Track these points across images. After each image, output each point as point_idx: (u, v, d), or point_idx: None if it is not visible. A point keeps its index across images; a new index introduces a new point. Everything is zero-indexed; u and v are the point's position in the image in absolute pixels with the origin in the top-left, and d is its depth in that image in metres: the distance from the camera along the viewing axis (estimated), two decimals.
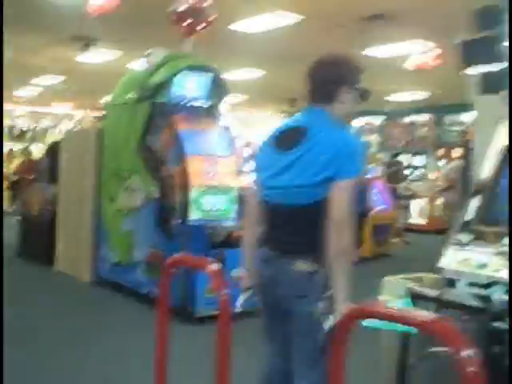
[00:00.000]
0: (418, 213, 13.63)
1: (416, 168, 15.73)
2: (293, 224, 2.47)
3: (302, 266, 2.41)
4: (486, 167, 2.80)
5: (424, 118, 18.28)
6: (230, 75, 13.14)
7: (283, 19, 8.36)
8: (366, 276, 4.24)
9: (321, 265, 2.38)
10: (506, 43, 2.84)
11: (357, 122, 20.73)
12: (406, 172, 14.19)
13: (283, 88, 14.07)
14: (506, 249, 2.51)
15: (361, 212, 9.50)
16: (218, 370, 2.46)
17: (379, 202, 10.28)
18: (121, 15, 7.67)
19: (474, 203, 2.73)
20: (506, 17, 2.85)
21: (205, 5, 6.28)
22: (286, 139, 2.52)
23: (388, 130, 19.86)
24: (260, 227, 2.61)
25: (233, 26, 9.03)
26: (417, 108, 17.59)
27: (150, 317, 3.22)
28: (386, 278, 3.18)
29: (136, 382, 4.03)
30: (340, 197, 2.33)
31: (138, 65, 6.67)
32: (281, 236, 2.51)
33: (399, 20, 8.44)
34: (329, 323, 2.28)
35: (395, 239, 10.91)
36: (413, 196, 13.11)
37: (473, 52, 3.06)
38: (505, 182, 2.73)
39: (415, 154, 16.83)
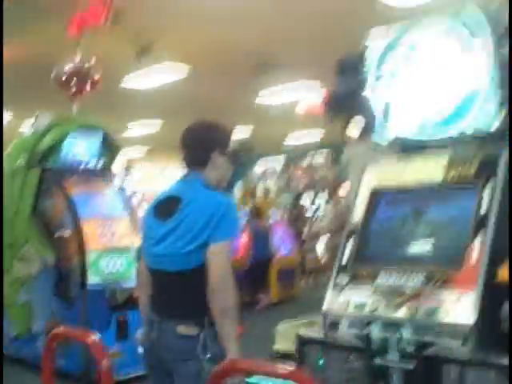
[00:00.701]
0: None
1: (318, 208, 16.12)
2: (173, 289, 2.52)
3: (183, 329, 2.44)
4: (358, 210, 2.96)
5: (321, 159, 18.93)
6: (128, 132, 13.19)
7: (173, 73, 8.50)
8: (273, 321, 4.29)
9: (203, 327, 2.42)
10: (366, 92, 3.03)
11: (258, 168, 21.21)
12: (308, 214, 14.48)
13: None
14: (380, 286, 2.65)
15: (265, 257, 9.65)
16: None
17: (282, 246, 10.45)
18: (7, 79, 7.57)
19: (349, 245, 2.87)
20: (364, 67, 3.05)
21: (88, 66, 6.30)
22: (163, 209, 2.58)
23: (289, 172, 20.40)
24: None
25: (124, 84, 9.10)
26: (314, 148, 18.19)
27: None
28: (279, 326, 3.26)
29: None
30: (217, 261, 2.39)
31: (27, 129, 6.56)
32: (164, 300, 2.55)
33: (286, 64, 8.77)
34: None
35: (303, 281, 11.11)
36: (317, 236, 13.40)
37: (336, 103, 3.26)
38: (376, 222, 2.90)
39: (317, 193, 17.29)
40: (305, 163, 20.30)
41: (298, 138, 16.80)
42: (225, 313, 2.39)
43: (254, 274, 9.46)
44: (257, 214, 9.95)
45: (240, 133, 15.52)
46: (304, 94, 10.22)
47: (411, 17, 3.00)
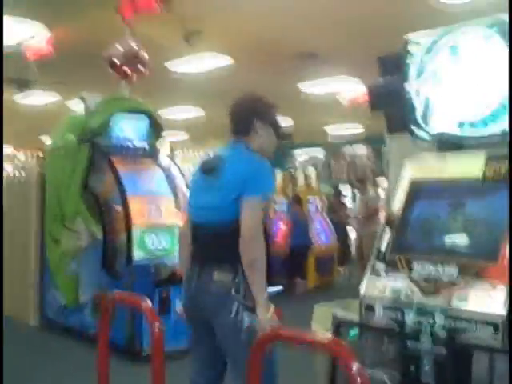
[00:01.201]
0: None
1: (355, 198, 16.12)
2: (212, 240, 2.75)
3: (219, 275, 2.67)
4: (397, 200, 3.08)
5: (363, 150, 18.89)
6: (171, 114, 13.41)
7: (218, 61, 8.64)
8: (309, 306, 4.43)
9: (237, 273, 2.65)
10: (408, 86, 3.14)
11: (299, 156, 21.28)
12: (347, 202, 14.52)
13: (223, 126, 14.37)
14: (416, 274, 2.77)
15: (303, 245, 9.80)
16: None
17: (321, 234, 10.57)
18: (58, 59, 7.82)
19: (387, 234, 3.00)
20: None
21: (139, 49, 6.49)
22: (207, 167, 2.85)
23: (329, 162, 20.43)
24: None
25: (170, 66, 9.28)
26: (355, 140, 18.16)
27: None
28: (316, 307, 3.40)
29: None
30: (248, 214, 2.62)
31: (77, 108, 6.83)
32: (203, 251, 2.80)
33: (328, 58, 8.85)
34: (250, 323, 2.52)
35: (340, 269, 11.23)
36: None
37: (379, 96, 3.37)
38: (413, 213, 3.02)
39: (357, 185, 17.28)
40: (347, 154, 20.31)
41: (340, 128, 16.79)
42: (253, 262, 2.61)
43: (292, 260, 9.63)
44: (297, 201, 10.08)
45: (282, 121, 15.63)
46: (347, 85, 10.29)
47: (456, 19, 3.08)
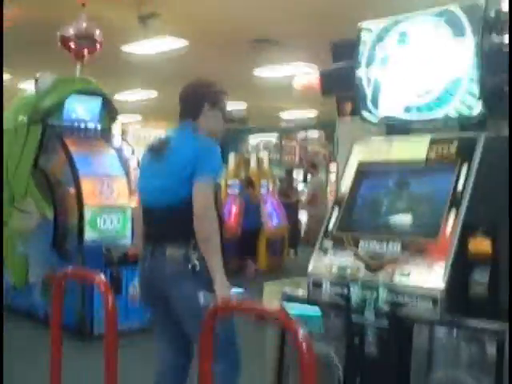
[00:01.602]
0: None
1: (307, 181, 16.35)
2: (163, 220, 2.83)
3: (172, 251, 2.77)
4: (345, 181, 3.20)
5: (315, 134, 19.12)
6: (124, 96, 13.29)
7: (172, 43, 8.62)
8: (260, 287, 4.53)
9: (191, 249, 2.75)
10: (359, 72, 3.25)
11: (253, 139, 21.39)
12: (298, 186, 14.72)
13: (176, 108, 14.33)
14: (362, 251, 2.90)
15: (255, 227, 9.91)
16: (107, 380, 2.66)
17: (272, 216, 10.71)
18: (9, 38, 7.68)
19: (335, 213, 3.11)
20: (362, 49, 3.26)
21: (93, 29, 6.45)
22: (155, 150, 2.93)
23: (282, 146, 20.61)
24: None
25: (124, 48, 9.21)
26: (308, 125, 18.35)
27: (47, 339, 3.31)
28: (266, 284, 3.50)
29: None
30: (200, 195, 2.73)
31: (29, 87, 6.75)
32: (155, 231, 2.88)
33: (284, 44, 8.93)
34: (205, 300, 2.60)
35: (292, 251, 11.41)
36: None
37: (330, 81, 3.47)
38: (360, 193, 3.14)
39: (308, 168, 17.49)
40: (299, 138, 20.50)
41: (294, 113, 16.93)
42: (208, 239, 2.71)
43: (243, 242, 9.74)
44: (249, 184, 10.18)
45: (236, 105, 15.67)
46: (302, 71, 10.39)
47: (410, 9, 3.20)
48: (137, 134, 14.64)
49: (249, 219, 9.82)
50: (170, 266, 2.77)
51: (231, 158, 11.54)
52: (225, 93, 3.05)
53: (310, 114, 16.51)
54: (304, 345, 1.71)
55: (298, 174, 16.12)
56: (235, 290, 2.95)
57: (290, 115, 17.42)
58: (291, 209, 12.08)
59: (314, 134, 19.63)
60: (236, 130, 19.91)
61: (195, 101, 2.93)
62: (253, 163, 11.23)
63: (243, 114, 17.02)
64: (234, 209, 10.38)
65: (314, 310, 2.81)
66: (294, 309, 2.90)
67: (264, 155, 11.84)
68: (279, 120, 18.50)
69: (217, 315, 2.14)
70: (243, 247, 9.71)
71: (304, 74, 10.44)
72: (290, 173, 14.46)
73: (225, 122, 3.05)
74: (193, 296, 2.66)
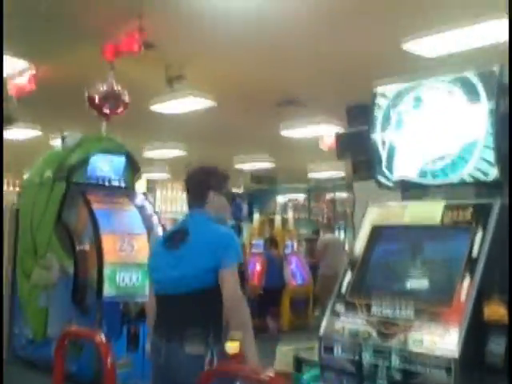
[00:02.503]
0: None
1: None
2: (179, 312, 2.82)
3: (191, 349, 2.72)
4: (358, 245, 3.17)
5: (343, 195, 19.07)
6: (153, 154, 13.51)
7: (200, 103, 8.79)
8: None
9: (208, 346, 2.71)
10: (374, 136, 3.27)
11: (280, 199, 21.43)
12: None
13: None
14: (374, 316, 2.84)
15: (278, 286, 9.82)
16: None
17: (296, 276, 10.62)
18: (41, 95, 7.92)
19: (348, 276, 3.07)
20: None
21: (120, 91, 6.63)
22: (172, 240, 2.96)
23: (310, 206, 20.59)
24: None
25: (153, 108, 9.41)
26: (336, 186, 18.34)
27: None
28: (278, 348, 3.45)
29: None
30: (228, 281, 2.76)
31: (57, 144, 6.92)
32: (170, 323, 2.84)
33: (309, 104, 9.04)
34: None
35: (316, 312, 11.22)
36: None
37: (346, 144, 3.50)
38: (374, 257, 3.10)
39: (336, 229, 17.40)
40: (327, 197, 20.47)
41: (322, 173, 16.95)
42: (243, 326, 2.71)
43: (265, 302, 9.64)
44: (272, 243, 10.15)
45: (264, 165, 15.80)
46: (327, 129, 10.46)
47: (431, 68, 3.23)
48: (164, 192, 14.83)
49: (272, 278, 9.75)
50: (188, 364, 2.72)
51: (256, 217, 11.58)
52: (228, 177, 3.15)
53: (339, 174, 16.51)
54: None
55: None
56: None
57: (318, 175, 17.45)
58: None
59: (342, 194, 19.59)
60: (263, 190, 20.02)
61: (201, 189, 3.03)
62: (277, 223, 11.24)
63: (271, 174, 17.14)
64: (258, 268, 10.34)
65: None
66: None
67: (289, 215, 11.84)
68: (308, 181, 18.54)
69: (209, 381, 2.09)
70: (266, 306, 9.60)
71: (330, 134, 10.51)
72: (317, 233, 14.38)
73: (230, 204, 3.15)
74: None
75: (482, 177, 2.91)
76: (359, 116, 3.44)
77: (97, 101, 6.53)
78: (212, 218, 2.99)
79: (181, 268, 2.82)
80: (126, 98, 6.71)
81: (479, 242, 2.75)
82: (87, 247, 5.94)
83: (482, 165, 2.90)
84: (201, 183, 3.05)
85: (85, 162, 6.30)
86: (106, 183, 6.46)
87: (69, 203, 6.22)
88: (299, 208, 20.80)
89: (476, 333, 2.60)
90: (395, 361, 2.71)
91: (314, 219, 20.26)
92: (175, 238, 2.95)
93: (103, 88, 6.57)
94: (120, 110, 6.73)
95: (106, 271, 5.70)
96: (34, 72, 7.38)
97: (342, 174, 16.41)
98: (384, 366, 2.74)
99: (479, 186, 2.97)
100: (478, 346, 2.59)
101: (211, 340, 2.73)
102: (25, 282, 6.66)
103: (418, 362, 2.64)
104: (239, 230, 10.57)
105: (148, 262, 3.14)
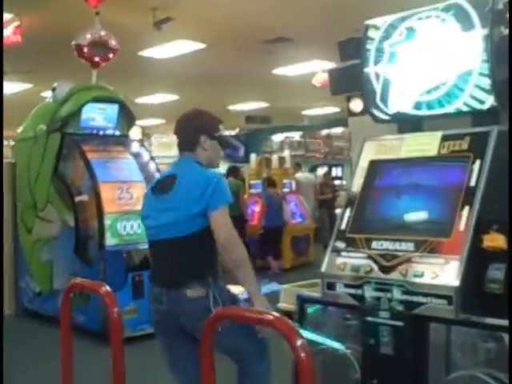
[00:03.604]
0: None
1: (334, 179, 16.31)
2: (175, 257, 2.82)
3: (192, 293, 2.74)
4: (356, 180, 3.17)
5: (339, 130, 19.01)
6: (145, 100, 13.38)
7: (190, 46, 8.65)
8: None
9: (209, 286, 2.74)
10: (368, 69, 3.22)
11: (276, 137, 21.36)
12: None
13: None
14: (374, 251, 2.87)
15: (278, 225, 9.90)
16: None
17: (296, 214, 10.69)
18: (27, 47, 7.78)
19: (347, 213, 3.08)
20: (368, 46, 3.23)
21: (108, 37, 6.50)
22: (162, 186, 2.93)
23: (306, 143, 20.53)
24: None
25: (142, 53, 9.27)
26: (331, 121, 18.25)
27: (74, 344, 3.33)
28: (283, 286, 3.49)
29: None
30: (221, 223, 2.74)
31: (48, 96, 6.84)
32: (167, 270, 2.85)
33: (300, 42, 8.89)
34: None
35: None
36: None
37: (339, 80, 3.45)
38: (372, 192, 3.11)
39: (332, 166, 17.45)
40: (323, 133, 20.42)
41: (316, 110, 16.85)
42: (239, 263, 2.73)
43: (266, 240, 9.74)
44: (270, 183, 10.17)
45: (258, 105, 15.67)
46: (320, 66, 10.33)
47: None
48: (160, 138, 14.71)
49: (271, 218, 9.82)
50: (192, 308, 2.74)
51: (253, 158, 11.56)
52: (220, 121, 3.06)
53: (334, 110, 16.42)
54: (302, 354, 1.69)
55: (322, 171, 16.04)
56: (270, 288, 3.03)
57: (313, 113, 17.35)
58: (327, 205, 12.14)
59: (338, 130, 19.52)
60: (259, 130, 19.92)
61: (191, 133, 2.95)
62: (275, 162, 11.23)
63: (265, 114, 17.04)
64: (257, 208, 10.41)
65: (338, 345, 2.91)
66: (318, 339, 2.93)
67: (286, 154, 11.81)
68: (302, 118, 18.44)
69: (215, 325, 2.12)
70: (267, 246, 9.71)
71: (323, 71, 10.38)
72: (314, 170, 14.43)
73: (223, 149, 3.07)
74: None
75: (478, 105, 2.88)
76: (352, 50, 3.36)
77: (85, 49, 6.39)
78: (200, 163, 2.93)
79: (171, 213, 2.80)
80: (114, 44, 6.57)
81: (477, 172, 2.75)
82: (86, 198, 5.95)
83: (478, 93, 2.87)
84: (191, 127, 2.97)
85: (77, 112, 6.22)
86: (101, 132, 6.41)
87: (64, 155, 6.19)
88: (295, 146, 20.77)
89: (475, 262, 2.63)
90: (397, 293, 2.74)
91: (311, 156, 20.26)
92: (164, 183, 2.92)
93: (90, 35, 6.43)
94: (109, 56, 6.60)
95: (107, 221, 5.72)
96: (18, 23, 7.23)
97: (336, 109, 16.36)
98: (386, 299, 2.78)
99: (476, 114, 2.94)
100: (478, 274, 2.62)
101: (210, 280, 2.76)
102: (27, 236, 6.70)
103: (420, 293, 2.68)
104: (238, 172, 10.52)
105: (141, 209, 3.10)
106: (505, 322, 2.49)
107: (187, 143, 2.96)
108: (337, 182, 15.50)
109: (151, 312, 2.94)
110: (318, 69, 10.44)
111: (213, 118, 3.03)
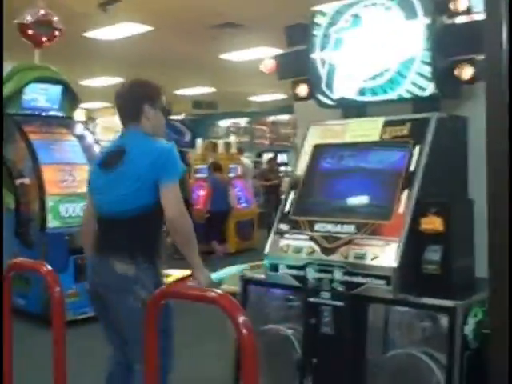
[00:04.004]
0: None
1: (279, 165, 16.41)
2: (116, 230, 2.80)
3: (121, 267, 2.72)
4: (301, 164, 3.21)
5: (285, 117, 19.13)
6: (90, 82, 13.13)
7: (135, 28, 8.55)
8: None
9: (139, 266, 2.72)
10: (314, 55, 3.26)
11: (223, 123, 21.34)
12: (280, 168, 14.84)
13: None
14: (317, 233, 2.92)
15: (223, 209, 9.93)
16: (55, 369, 2.64)
17: (241, 199, 10.75)
18: None
19: (291, 196, 3.13)
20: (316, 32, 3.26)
21: (52, 16, 6.35)
22: (109, 160, 2.85)
23: (253, 130, 20.59)
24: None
25: (88, 34, 9.10)
26: (278, 108, 18.33)
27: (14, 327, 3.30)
28: (227, 268, 3.52)
29: None
30: (171, 198, 2.69)
31: None
32: (105, 241, 2.83)
33: (248, 28, 8.89)
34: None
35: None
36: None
37: (286, 65, 3.48)
38: (316, 176, 3.16)
39: (278, 152, 17.54)
40: (269, 121, 20.50)
41: (263, 96, 16.89)
42: (188, 241, 2.74)
43: (211, 225, 9.77)
44: (216, 168, 10.18)
45: (204, 90, 15.58)
46: (267, 52, 10.35)
47: None
48: (105, 122, 14.51)
49: (217, 202, 9.84)
50: (116, 282, 2.73)
51: (199, 143, 11.54)
52: (161, 89, 2.97)
53: (280, 96, 16.48)
54: (244, 331, 1.71)
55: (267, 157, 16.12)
56: (214, 276, 3.02)
57: (260, 99, 17.39)
58: (272, 191, 12.23)
59: (284, 117, 19.63)
60: (206, 116, 19.84)
61: (134, 103, 2.85)
62: (221, 148, 11.25)
63: (212, 99, 16.98)
64: (202, 193, 10.42)
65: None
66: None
67: (232, 139, 11.84)
68: (249, 104, 18.46)
69: (158, 303, 2.13)
70: (212, 230, 9.73)
71: (271, 57, 10.40)
72: (260, 156, 14.48)
73: (166, 118, 2.99)
74: (136, 309, 2.62)
75: (419, 92, 2.96)
76: (299, 36, 3.39)
77: (29, 28, 6.23)
78: (148, 134, 2.85)
79: (120, 187, 2.75)
80: (59, 24, 6.43)
81: (417, 156, 2.83)
82: (27, 181, 5.82)
83: (419, 80, 2.95)
84: (134, 97, 2.86)
85: (19, 92, 6.07)
86: (43, 114, 6.27)
87: (5, 136, 6.03)
88: (242, 132, 20.81)
89: (414, 243, 2.72)
90: (338, 274, 2.81)
91: (257, 143, 20.33)
92: (112, 157, 2.84)
93: (32, 14, 6.26)
94: (54, 35, 6.45)
95: (49, 203, 5.62)
96: None
97: (283, 96, 16.44)
98: (328, 280, 2.84)
99: (417, 101, 3.02)
100: (416, 255, 2.71)
101: (143, 261, 2.72)
102: None
103: (360, 274, 2.75)
104: (183, 157, 10.48)
105: (87, 183, 3.02)
106: (440, 302, 2.59)
107: (130, 114, 2.86)
108: (282, 169, 15.59)
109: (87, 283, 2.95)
110: (265, 55, 10.42)
111: (153, 87, 2.93)
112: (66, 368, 2.68)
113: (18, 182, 5.90)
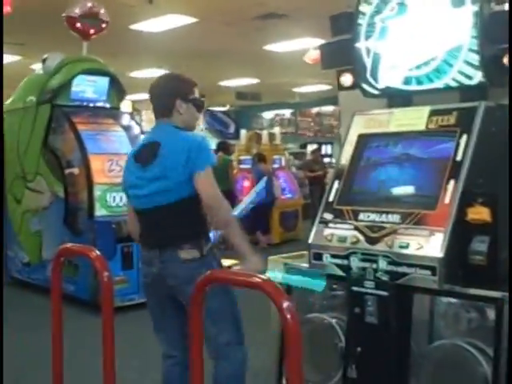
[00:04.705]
0: None
1: (324, 156, 16.38)
2: (166, 222, 2.84)
3: (186, 254, 2.77)
4: (345, 153, 3.21)
5: (330, 108, 19.04)
6: (137, 74, 13.30)
7: (180, 20, 8.61)
8: None
9: (202, 249, 2.79)
10: (359, 44, 3.24)
11: (267, 115, 21.36)
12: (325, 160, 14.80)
13: None
14: (361, 223, 2.92)
15: (268, 201, 9.95)
16: (104, 353, 2.70)
17: (285, 190, 10.77)
18: (17, 19, 7.71)
19: (335, 186, 3.13)
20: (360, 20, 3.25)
21: (98, 9, 6.46)
22: (145, 155, 2.89)
23: (297, 121, 20.56)
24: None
25: (133, 27, 9.22)
26: (322, 99, 18.26)
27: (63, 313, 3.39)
28: (269, 258, 3.54)
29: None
30: (206, 184, 2.76)
31: (39, 68, 6.81)
32: (158, 234, 2.86)
33: (292, 18, 8.87)
34: None
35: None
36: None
37: (330, 55, 3.47)
38: (360, 165, 3.15)
39: (322, 143, 17.50)
40: (313, 112, 20.43)
41: (307, 87, 16.84)
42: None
43: (255, 216, 9.79)
44: (260, 158, 10.21)
45: (248, 81, 15.61)
46: (311, 42, 10.32)
47: None
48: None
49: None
50: (184, 269, 2.77)
51: (243, 134, 11.59)
52: (194, 84, 3.00)
53: (325, 87, 16.41)
54: (288, 316, 1.73)
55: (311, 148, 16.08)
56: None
57: (303, 90, 17.34)
58: (316, 182, 12.20)
59: (328, 108, 19.54)
60: (249, 107, 19.90)
61: (166, 99, 2.90)
62: (265, 139, 11.26)
63: (256, 90, 17.01)
64: (246, 183, 10.46)
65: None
66: (296, 280, 2.99)
67: (276, 130, 11.84)
68: (293, 95, 18.43)
69: (204, 288, 2.17)
70: (256, 222, 9.77)
71: (315, 48, 10.36)
72: (304, 147, 14.43)
73: (199, 112, 3.04)
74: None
75: (466, 81, 2.91)
76: (343, 25, 3.37)
77: (76, 20, 6.36)
78: (179, 128, 2.90)
79: (159, 182, 2.79)
80: (105, 16, 6.54)
81: (464, 146, 2.79)
82: (76, 170, 5.97)
83: (466, 69, 2.90)
84: (167, 92, 2.91)
85: (68, 83, 6.21)
86: (91, 105, 6.40)
87: (54, 127, 6.19)
88: (286, 123, 20.80)
89: (460, 234, 2.68)
90: (382, 263, 2.80)
91: (301, 134, 20.30)
92: (146, 151, 2.88)
93: (80, 7, 6.39)
94: (101, 27, 6.57)
95: (97, 192, 5.75)
96: None
97: (327, 87, 16.36)
98: (372, 269, 2.83)
99: (464, 90, 2.98)
100: (462, 246, 2.68)
101: (203, 243, 2.80)
102: (16, 207, 6.71)
103: (404, 264, 2.74)
104: (227, 148, 10.50)
105: (122, 179, 3.06)
106: (486, 293, 2.56)
107: (163, 108, 2.91)
108: (326, 160, 15.54)
109: (141, 275, 2.99)
110: (309, 46, 10.42)
111: (186, 81, 2.97)
112: (114, 352, 2.74)
113: (67, 171, 6.04)
